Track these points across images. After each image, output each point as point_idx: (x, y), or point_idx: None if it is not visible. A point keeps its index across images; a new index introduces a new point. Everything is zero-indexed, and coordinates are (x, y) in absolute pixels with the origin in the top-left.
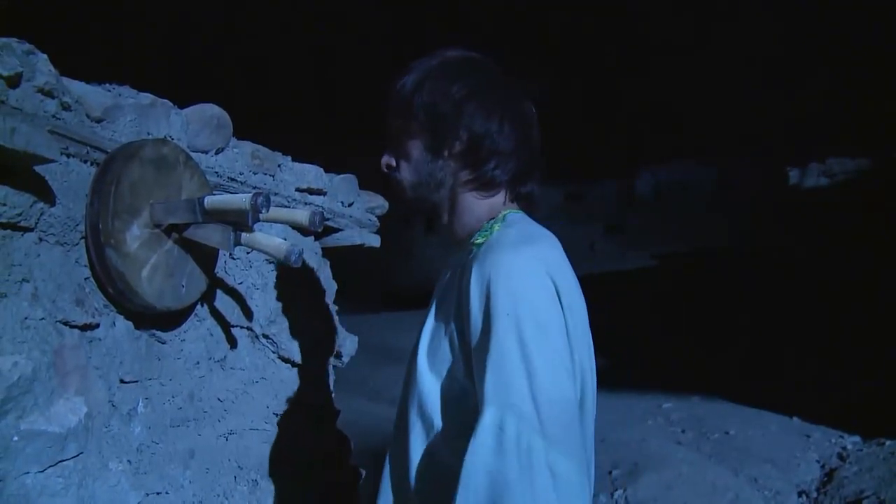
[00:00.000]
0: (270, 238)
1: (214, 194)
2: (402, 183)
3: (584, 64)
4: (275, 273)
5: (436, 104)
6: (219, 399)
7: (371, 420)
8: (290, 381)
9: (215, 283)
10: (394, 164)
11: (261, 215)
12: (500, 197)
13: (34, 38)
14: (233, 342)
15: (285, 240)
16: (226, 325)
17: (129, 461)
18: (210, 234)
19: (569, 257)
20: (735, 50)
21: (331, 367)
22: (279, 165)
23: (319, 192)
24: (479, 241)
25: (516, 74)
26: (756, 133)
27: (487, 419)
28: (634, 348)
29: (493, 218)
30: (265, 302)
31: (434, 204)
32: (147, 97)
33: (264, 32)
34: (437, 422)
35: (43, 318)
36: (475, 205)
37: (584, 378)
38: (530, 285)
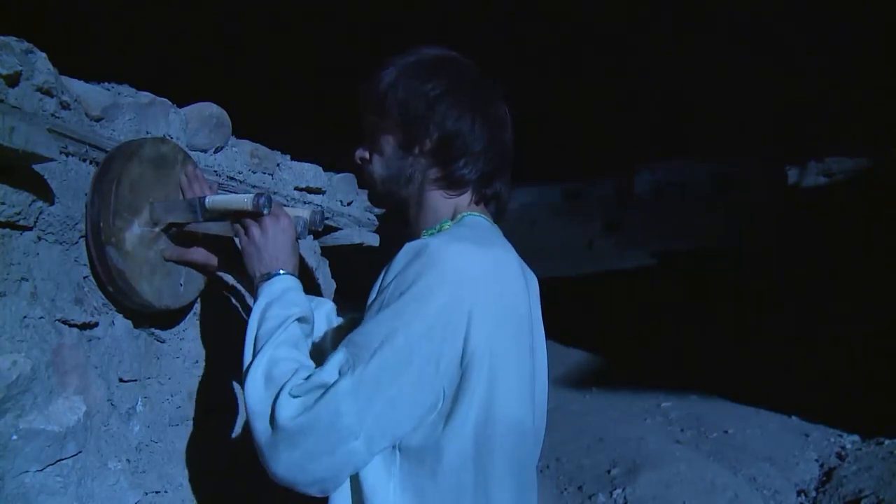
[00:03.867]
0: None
1: (218, 193)
2: (372, 176)
3: (583, 62)
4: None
5: (409, 102)
6: (218, 398)
7: None
8: None
9: (214, 282)
10: (367, 156)
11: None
12: (465, 197)
13: (33, 37)
14: (231, 341)
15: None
16: (224, 324)
17: (127, 460)
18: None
19: (567, 256)
20: (734, 49)
21: None
22: (278, 164)
23: (318, 191)
24: (425, 236)
25: (493, 76)
26: (755, 132)
27: (339, 357)
28: (633, 347)
29: (453, 218)
30: None
31: (402, 199)
32: (146, 96)
33: (263, 31)
34: None
35: (42, 317)
36: (440, 203)
37: (497, 387)
38: (439, 278)
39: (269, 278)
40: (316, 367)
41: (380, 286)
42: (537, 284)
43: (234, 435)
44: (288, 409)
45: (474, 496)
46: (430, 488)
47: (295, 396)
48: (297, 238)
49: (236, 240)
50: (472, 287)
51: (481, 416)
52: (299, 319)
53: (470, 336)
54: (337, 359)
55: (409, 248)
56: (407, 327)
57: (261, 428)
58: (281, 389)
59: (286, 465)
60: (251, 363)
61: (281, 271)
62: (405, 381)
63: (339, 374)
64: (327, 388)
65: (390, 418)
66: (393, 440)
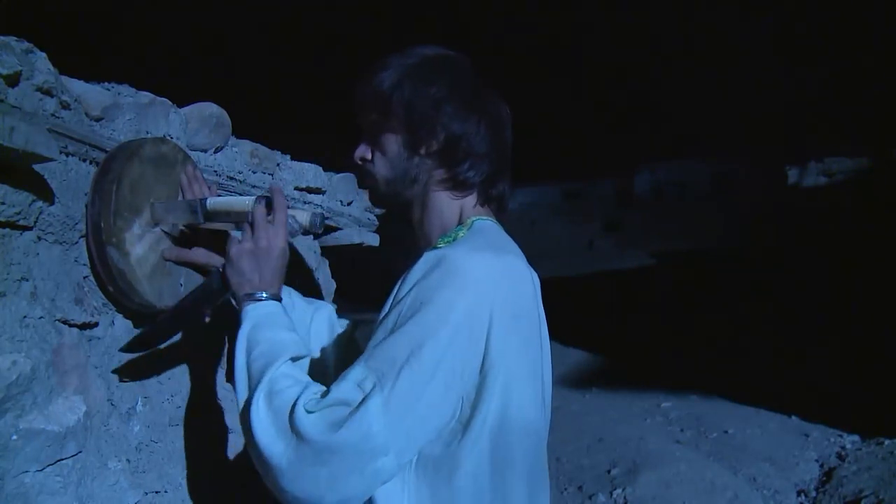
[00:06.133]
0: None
1: (219, 195)
2: (375, 177)
3: (583, 62)
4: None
5: (415, 103)
6: (217, 398)
7: None
8: None
9: None
10: (369, 156)
11: None
12: (471, 199)
13: (33, 37)
14: (231, 341)
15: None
16: (224, 324)
17: (127, 460)
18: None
19: (567, 256)
20: (734, 48)
21: None
22: (278, 164)
23: (318, 191)
24: (441, 245)
25: (489, 77)
26: (755, 132)
27: (360, 371)
28: (633, 347)
29: (462, 223)
30: None
31: (407, 200)
32: (146, 96)
33: (263, 30)
34: None
35: (42, 317)
36: (446, 204)
37: (512, 391)
38: (461, 287)
39: (251, 300)
40: (319, 374)
41: (395, 296)
42: (539, 282)
43: (234, 435)
44: (309, 426)
45: (492, 500)
46: (447, 494)
47: (311, 412)
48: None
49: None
50: (492, 296)
51: (497, 421)
52: (292, 358)
53: (490, 343)
54: (355, 374)
55: (427, 258)
56: (433, 340)
57: (278, 449)
58: (294, 405)
59: (311, 483)
60: (252, 394)
61: (264, 294)
62: (433, 393)
63: (361, 390)
64: (356, 406)
65: (419, 431)
66: (418, 450)
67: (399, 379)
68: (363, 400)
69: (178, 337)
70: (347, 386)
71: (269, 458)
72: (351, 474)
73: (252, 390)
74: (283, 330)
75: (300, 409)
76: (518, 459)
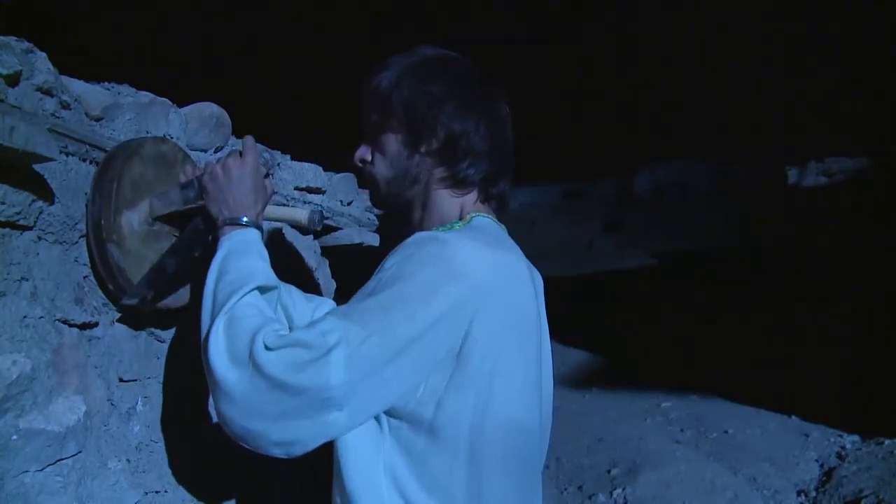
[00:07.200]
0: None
1: None
2: (376, 177)
3: (582, 61)
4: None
5: (415, 102)
6: None
7: None
8: None
9: None
10: (369, 157)
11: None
12: (471, 196)
13: (33, 37)
14: None
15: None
16: None
17: (128, 460)
18: None
19: (567, 256)
20: (734, 48)
21: None
22: (278, 164)
23: (318, 191)
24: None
25: (492, 76)
26: (755, 132)
27: (329, 323)
28: (633, 347)
29: (461, 218)
30: None
31: (407, 200)
32: (146, 96)
33: (264, 30)
34: None
35: (42, 317)
36: (447, 202)
37: (496, 387)
38: (448, 271)
39: (229, 223)
40: None
41: (380, 267)
42: (542, 282)
43: None
44: (267, 361)
45: (467, 491)
46: (424, 479)
47: (270, 349)
48: (267, 174)
49: (203, 178)
50: (480, 286)
51: (478, 414)
52: (260, 288)
53: (470, 333)
54: (323, 325)
55: (419, 236)
56: (411, 315)
57: (232, 377)
58: (254, 337)
59: (260, 417)
60: (213, 322)
61: (244, 218)
62: (401, 364)
63: (325, 340)
64: (319, 355)
65: (378, 396)
66: (372, 416)
67: (367, 342)
68: (327, 351)
69: (179, 337)
70: (312, 332)
71: (222, 386)
72: (300, 419)
73: (213, 318)
74: (254, 258)
75: (259, 343)
76: (499, 456)
